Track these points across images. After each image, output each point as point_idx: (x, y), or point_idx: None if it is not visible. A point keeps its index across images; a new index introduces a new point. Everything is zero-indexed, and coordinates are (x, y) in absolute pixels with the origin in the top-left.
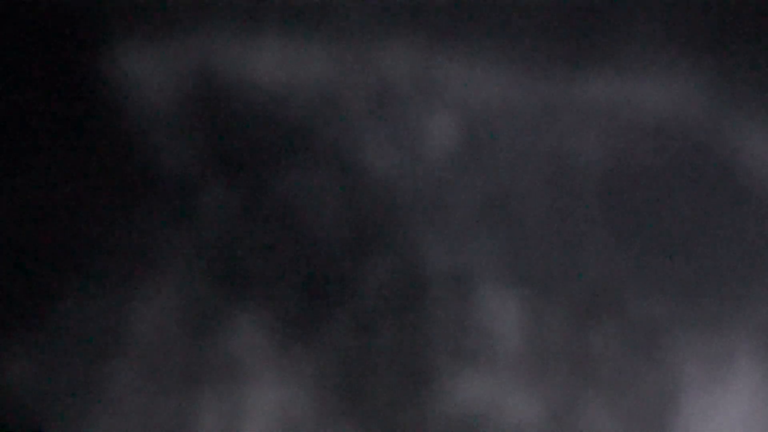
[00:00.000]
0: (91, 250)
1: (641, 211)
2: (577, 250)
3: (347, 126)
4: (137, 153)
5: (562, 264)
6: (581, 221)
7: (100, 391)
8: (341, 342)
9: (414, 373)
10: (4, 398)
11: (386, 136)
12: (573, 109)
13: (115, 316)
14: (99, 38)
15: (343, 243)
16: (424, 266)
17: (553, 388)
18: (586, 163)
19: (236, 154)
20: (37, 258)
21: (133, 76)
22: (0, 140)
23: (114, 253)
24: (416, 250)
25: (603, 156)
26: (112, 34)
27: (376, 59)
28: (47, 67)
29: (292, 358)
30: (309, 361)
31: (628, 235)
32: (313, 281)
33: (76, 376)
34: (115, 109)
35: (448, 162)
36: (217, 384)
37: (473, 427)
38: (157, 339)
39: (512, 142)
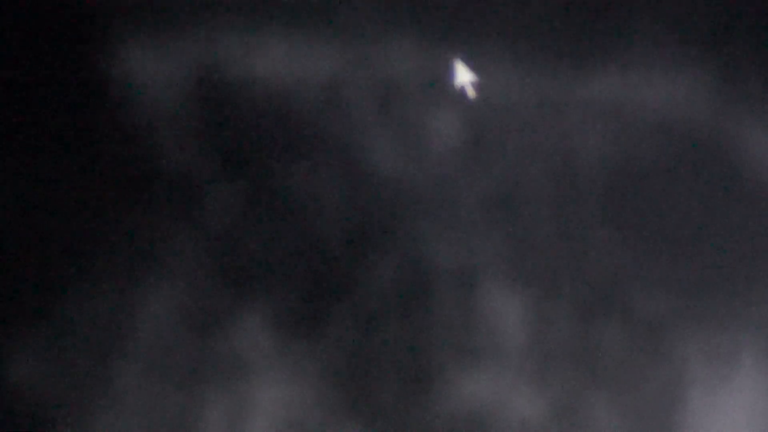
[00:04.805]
0: (95, 249)
1: (646, 209)
2: (582, 247)
3: (352, 123)
4: (141, 150)
5: (567, 261)
6: (586, 219)
7: (104, 390)
8: (346, 339)
9: (418, 370)
10: (7, 398)
11: (391, 133)
12: (578, 107)
13: (119, 314)
14: (102, 35)
15: (347, 240)
16: (429, 263)
17: (558, 385)
18: (591, 161)
19: (241, 151)
20: (40, 257)
21: (137, 74)
22: (3, 139)
23: (118, 251)
24: (421, 247)
25: (608, 153)
26: (115, 31)
27: (381, 56)
28: (49, 65)
29: (296, 355)
30: (313, 359)
31: (633, 232)
32: (317, 278)
33: (80, 375)
34: (118, 106)
35: (452, 159)
36: (221, 381)
37: (478, 424)
38: (162, 337)
39: (517, 140)
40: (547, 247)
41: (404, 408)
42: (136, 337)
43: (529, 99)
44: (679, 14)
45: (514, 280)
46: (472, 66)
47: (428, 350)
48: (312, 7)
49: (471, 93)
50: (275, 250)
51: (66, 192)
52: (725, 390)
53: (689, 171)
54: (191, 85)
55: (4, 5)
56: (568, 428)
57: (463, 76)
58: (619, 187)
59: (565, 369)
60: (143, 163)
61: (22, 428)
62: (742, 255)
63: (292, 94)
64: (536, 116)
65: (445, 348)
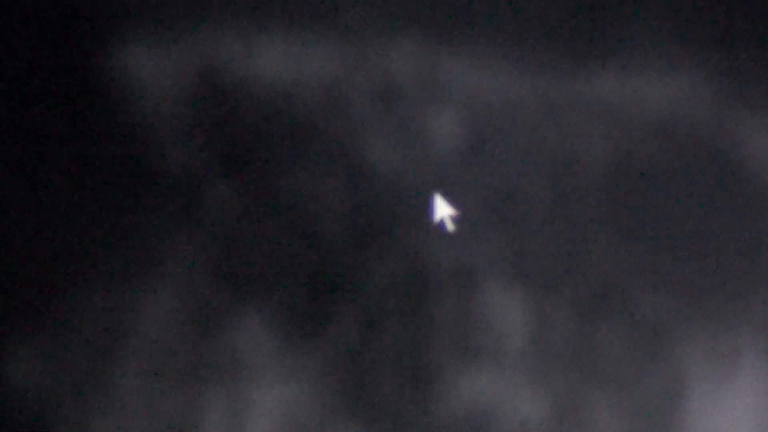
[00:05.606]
0: (95, 249)
1: (646, 208)
2: (582, 247)
3: (352, 123)
4: (141, 151)
5: (566, 261)
6: (586, 218)
7: (104, 390)
8: (346, 339)
9: (418, 370)
10: (7, 398)
11: (391, 133)
12: (577, 106)
13: (119, 314)
14: (102, 36)
15: (347, 240)
16: (429, 263)
17: (558, 385)
18: (591, 160)
19: (241, 151)
20: (40, 257)
21: (137, 74)
22: (3, 139)
23: (118, 252)
24: (421, 247)
25: (607, 153)
26: (115, 31)
27: (380, 56)
28: (50, 65)
29: (296, 355)
30: (314, 359)
31: (632, 232)
32: (317, 278)
33: (80, 375)
34: (118, 106)
35: (452, 159)
36: (221, 382)
37: (478, 424)
38: (162, 337)
39: (517, 140)
40: (547, 247)
41: (404, 408)
42: (137, 338)
43: (530, 99)
44: (679, 14)
45: (515, 280)
46: (474, 66)
47: (428, 350)
48: (312, 7)
49: (450, 226)
50: (275, 250)
51: (66, 192)
52: (725, 390)
53: (689, 170)
54: (191, 85)
55: (4, 5)
56: (568, 428)
57: (443, 209)
58: (619, 186)
59: (565, 369)
60: (143, 162)
61: (22, 428)
62: (743, 255)
63: (292, 94)
64: (537, 116)
65: (445, 348)
